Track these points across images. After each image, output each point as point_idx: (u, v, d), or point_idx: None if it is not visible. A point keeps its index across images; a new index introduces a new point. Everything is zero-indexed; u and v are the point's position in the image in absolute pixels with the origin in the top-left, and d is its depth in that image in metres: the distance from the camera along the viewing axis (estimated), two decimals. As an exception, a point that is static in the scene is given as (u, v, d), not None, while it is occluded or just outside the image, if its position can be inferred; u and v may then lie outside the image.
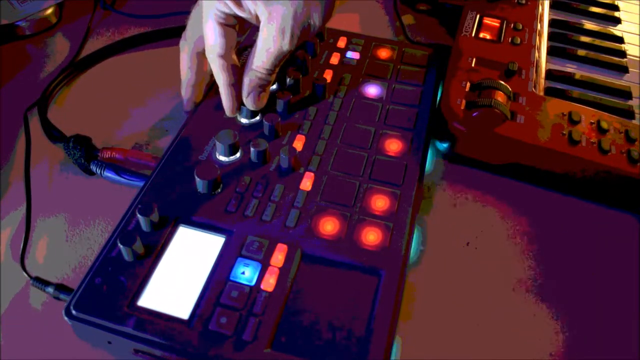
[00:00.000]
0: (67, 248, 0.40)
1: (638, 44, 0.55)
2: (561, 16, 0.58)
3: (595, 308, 0.38)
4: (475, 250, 0.41)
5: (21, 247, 0.39)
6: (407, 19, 0.62)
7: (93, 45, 0.57)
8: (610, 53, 0.53)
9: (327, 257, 0.36)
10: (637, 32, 0.56)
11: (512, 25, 0.53)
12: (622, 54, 0.53)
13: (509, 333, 0.37)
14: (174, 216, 0.37)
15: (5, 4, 0.56)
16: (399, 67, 0.50)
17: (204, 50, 0.42)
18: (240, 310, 0.33)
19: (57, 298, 0.36)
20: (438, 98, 0.48)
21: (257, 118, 0.44)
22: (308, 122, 0.44)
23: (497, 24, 0.53)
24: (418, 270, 0.39)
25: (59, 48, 0.57)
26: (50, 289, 0.36)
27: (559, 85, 0.49)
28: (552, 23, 0.56)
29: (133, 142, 0.47)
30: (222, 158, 0.41)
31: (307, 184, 0.40)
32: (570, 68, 0.51)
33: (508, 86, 0.45)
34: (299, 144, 0.43)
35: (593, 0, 0.60)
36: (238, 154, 0.41)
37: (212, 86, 0.46)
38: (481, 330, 0.37)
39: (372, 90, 0.48)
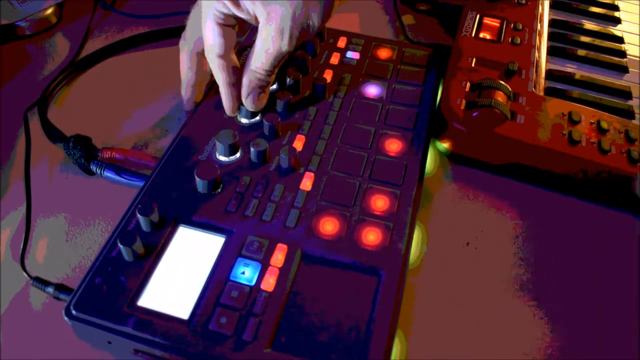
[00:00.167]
0: (67, 248, 0.40)
1: (638, 44, 0.55)
2: (561, 16, 0.58)
3: (595, 308, 0.38)
4: (475, 250, 0.41)
5: (21, 247, 0.39)
6: (407, 19, 0.62)
7: (93, 45, 0.57)
8: (610, 53, 0.53)
9: (327, 257, 0.36)
10: (637, 32, 0.56)
11: (512, 25, 0.53)
12: (622, 54, 0.53)
13: (508, 333, 0.37)
14: (174, 216, 0.37)
15: (5, 4, 0.56)
16: (399, 67, 0.50)
17: (203, 50, 0.42)
18: (240, 310, 0.33)
19: (57, 298, 0.36)
20: (438, 98, 0.48)
21: (257, 118, 0.44)
22: (308, 122, 0.44)
23: (497, 24, 0.53)
24: (418, 270, 0.39)
25: (59, 48, 0.57)
26: (50, 289, 0.36)
27: (559, 85, 0.49)
28: (552, 23, 0.56)
29: (133, 142, 0.47)
30: (222, 158, 0.41)
31: (307, 184, 0.40)
32: (570, 68, 0.51)
33: (508, 86, 0.45)
34: (299, 144, 0.43)
35: (593, 0, 0.60)
36: (238, 154, 0.41)
37: (212, 86, 0.46)
38: (481, 330, 0.37)
39: (372, 90, 0.48)
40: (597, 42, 0.54)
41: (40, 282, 0.36)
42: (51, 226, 0.41)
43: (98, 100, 0.52)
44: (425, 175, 0.43)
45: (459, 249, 0.41)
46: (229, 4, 0.38)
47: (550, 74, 0.50)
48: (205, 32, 0.40)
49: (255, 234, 0.36)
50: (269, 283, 0.34)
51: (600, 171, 0.42)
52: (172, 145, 0.42)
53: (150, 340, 0.32)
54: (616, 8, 0.59)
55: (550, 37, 0.54)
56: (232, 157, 0.41)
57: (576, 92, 0.48)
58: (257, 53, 0.40)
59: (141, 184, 0.40)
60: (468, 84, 0.46)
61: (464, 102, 0.45)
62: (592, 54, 0.53)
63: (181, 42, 0.45)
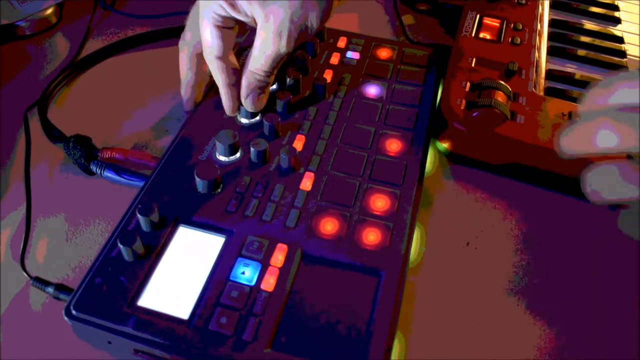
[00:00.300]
0: (67, 248, 0.40)
1: (638, 44, 0.55)
2: (561, 16, 0.58)
3: (595, 308, 0.38)
4: (475, 250, 0.41)
5: (21, 247, 0.39)
6: (407, 19, 0.62)
7: (93, 45, 0.57)
8: (610, 53, 0.53)
9: (327, 257, 0.36)
10: (637, 32, 0.56)
11: (512, 25, 0.53)
12: (622, 54, 0.53)
13: (508, 333, 0.37)
14: (174, 216, 0.37)
15: (5, 4, 0.56)
16: (399, 67, 0.50)
17: (202, 51, 0.42)
18: (240, 310, 0.33)
19: (57, 298, 0.36)
20: (438, 98, 0.48)
21: (257, 118, 0.44)
22: (308, 122, 0.44)
23: (497, 24, 0.53)
24: (418, 270, 0.39)
25: (59, 48, 0.57)
26: (50, 289, 0.36)
27: (559, 85, 0.49)
28: (552, 23, 0.56)
29: (133, 142, 0.47)
30: (222, 158, 0.41)
31: (307, 184, 0.40)
32: (570, 68, 0.51)
33: (508, 86, 0.45)
34: (299, 144, 0.43)
35: (593, 0, 0.60)
36: (238, 154, 0.41)
37: (212, 86, 0.46)
38: (481, 330, 0.37)
39: (372, 90, 0.48)
40: (597, 42, 0.54)
41: (40, 282, 0.36)
42: (51, 226, 0.41)
43: (98, 100, 0.52)
44: (425, 175, 0.43)
45: (459, 249, 0.41)
46: (226, 6, 0.38)
47: (550, 74, 0.50)
48: (203, 34, 0.40)
49: (255, 234, 0.36)
50: (269, 283, 0.34)
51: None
52: (172, 145, 0.42)
53: (150, 340, 0.32)
54: (616, 8, 0.59)
55: (550, 37, 0.54)
56: (232, 157, 0.41)
57: (576, 92, 0.48)
58: (255, 54, 0.40)
59: (141, 184, 0.40)
60: (468, 84, 0.46)
61: (464, 102, 0.45)
62: (592, 54, 0.53)
63: (180, 43, 0.45)
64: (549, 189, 0.45)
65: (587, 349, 0.36)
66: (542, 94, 0.48)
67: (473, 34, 0.52)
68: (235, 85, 0.42)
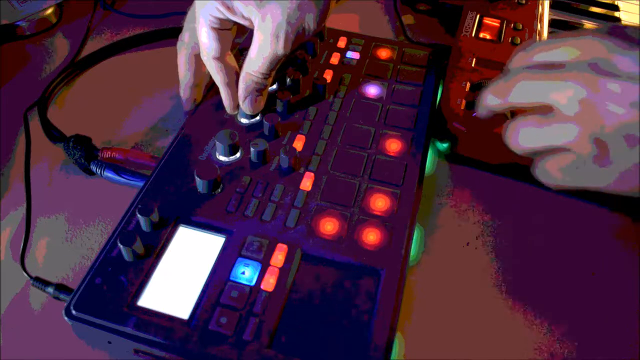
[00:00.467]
0: (67, 248, 0.40)
1: (638, 44, 0.55)
2: (561, 16, 0.58)
3: (595, 308, 0.38)
4: (475, 250, 0.41)
5: (21, 247, 0.39)
6: (407, 19, 0.62)
7: (93, 45, 0.57)
8: (610, 53, 0.53)
9: (327, 257, 0.36)
10: (637, 32, 0.56)
11: (512, 25, 0.53)
12: (622, 54, 0.53)
13: (509, 333, 0.37)
14: (174, 216, 0.37)
15: (5, 4, 0.56)
16: (399, 67, 0.50)
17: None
18: (240, 310, 0.33)
19: (57, 298, 0.36)
20: (438, 98, 0.48)
21: (257, 118, 0.44)
22: (308, 122, 0.44)
23: (497, 24, 0.53)
24: (418, 270, 0.39)
25: (59, 48, 0.57)
26: (50, 289, 0.36)
27: (559, 85, 0.49)
28: (552, 23, 0.56)
29: (133, 142, 0.47)
30: (222, 158, 0.41)
31: (307, 184, 0.40)
32: (570, 68, 0.51)
33: (508, 86, 0.45)
34: (299, 144, 0.42)
35: (593, 0, 0.60)
36: (238, 154, 0.41)
37: (212, 86, 0.46)
38: (481, 330, 0.37)
39: (372, 90, 0.48)
40: (597, 42, 0.54)
41: (40, 282, 0.36)
42: (51, 226, 0.41)
43: (98, 100, 0.52)
44: (425, 175, 0.43)
45: (459, 249, 0.41)
46: (222, 8, 0.38)
47: (550, 74, 0.50)
48: (200, 36, 0.40)
49: (255, 234, 0.36)
50: (269, 283, 0.34)
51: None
52: (172, 145, 0.42)
53: (150, 340, 0.32)
54: (616, 8, 0.59)
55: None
56: (232, 157, 0.41)
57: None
58: (252, 56, 0.40)
59: (141, 184, 0.40)
60: (468, 84, 0.46)
61: (464, 102, 0.45)
62: (592, 54, 0.53)
63: (178, 44, 0.45)
64: (549, 189, 0.45)
65: (587, 349, 0.36)
66: (542, 94, 0.47)
67: (473, 34, 0.52)
68: (234, 84, 0.42)
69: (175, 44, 0.46)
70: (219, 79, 0.41)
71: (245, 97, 0.42)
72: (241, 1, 0.37)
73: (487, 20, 0.54)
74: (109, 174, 0.43)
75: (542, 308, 0.38)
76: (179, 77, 0.46)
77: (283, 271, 0.35)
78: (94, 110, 0.51)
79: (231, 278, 0.34)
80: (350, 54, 0.51)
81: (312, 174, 0.40)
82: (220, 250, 0.36)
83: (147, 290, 0.34)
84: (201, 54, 0.41)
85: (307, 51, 0.50)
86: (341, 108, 0.46)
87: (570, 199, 0.44)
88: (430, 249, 0.41)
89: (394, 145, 0.43)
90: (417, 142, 0.43)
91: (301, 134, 0.43)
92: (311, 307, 0.34)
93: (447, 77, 0.47)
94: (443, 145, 0.47)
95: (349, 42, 0.52)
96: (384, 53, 0.51)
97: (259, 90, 0.42)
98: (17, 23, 0.57)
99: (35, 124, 0.47)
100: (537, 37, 0.53)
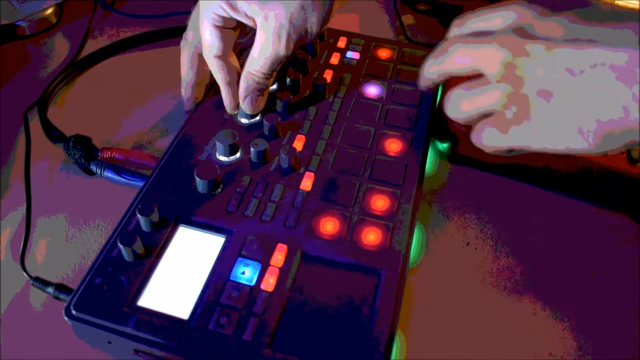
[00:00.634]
0: (67, 248, 0.40)
1: (638, 44, 0.55)
2: (561, 16, 0.57)
3: (595, 308, 0.38)
4: (475, 250, 0.41)
5: (21, 247, 0.39)
6: (407, 19, 0.62)
7: (93, 45, 0.57)
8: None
9: (327, 257, 0.36)
10: (637, 32, 0.56)
11: (512, 25, 0.53)
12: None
13: (509, 333, 0.37)
14: (174, 216, 0.37)
15: (5, 4, 0.56)
16: (399, 67, 0.50)
17: None
18: (240, 310, 0.33)
19: (57, 298, 0.36)
20: (438, 98, 0.48)
21: (257, 118, 0.44)
22: (308, 122, 0.44)
23: (497, 24, 0.53)
24: (418, 270, 0.39)
25: (59, 48, 0.57)
26: (50, 289, 0.36)
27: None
28: (552, 23, 0.56)
29: (133, 142, 0.47)
30: (222, 158, 0.41)
31: (307, 184, 0.40)
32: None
33: (508, 86, 0.45)
34: (299, 144, 0.42)
35: (593, 0, 0.60)
36: (238, 154, 0.41)
37: (212, 86, 0.46)
38: (481, 330, 0.37)
39: (372, 90, 0.48)
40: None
41: (40, 282, 0.36)
42: (51, 226, 0.41)
43: (98, 100, 0.52)
44: (425, 175, 0.43)
45: (459, 249, 0.41)
46: (225, 7, 0.38)
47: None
48: (203, 34, 0.40)
49: (255, 234, 0.36)
50: (269, 283, 0.34)
51: (599, 171, 0.42)
52: (172, 145, 0.42)
53: (150, 340, 0.32)
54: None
55: (550, 37, 0.54)
56: (232, 157, 0.41)
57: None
58: (254, 56, 0.40)
59: (141, 184, 0.40)
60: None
61: (464, 102, 0.45)
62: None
63: (182, 43, 0.45)
64: (549, 189, 0.45)
65: (587, 349, 0.36)
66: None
67: (473, 34, 0.52)
68: (235, 83, 0.42)
69: (175, 44, 0.46)
70: (220, 77, 0.41)
71: (246, 97, 0.42)
72: (245, 0, 0.37)
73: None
74: (109, 174, 0.43)
75: (542, 308, 0.38)
76: (181, 75, 0.46)
77: (283, 271, 0.35)
78: (94, 110, 0.51)
79: (231, 278, 0.34)
80: (350, 54, 0.51)
81: (312, 174, 0.40)
82: (220, 250, 0.36)
83: (147, 290, 0.34)
84: (203, 52, 0.41)
85: (307, 51, 0.50)
86: (341, 108, 0.46)
87: (570, 199, 0.44)
88: (430, 249, 0.41)
89: (394, 145, 0.43)
90: (417, 142, 0.43)
91: (301, 134, 0.43)
92: (311, 307, 0.34)
93: (447, 77, 0.47)
94: (443, 145, 0.47)
95: (349, 42, 0.52)
96: (384, 53, 0.51)
97: (260, 90, 0.42)
98: (17, 23, 0.57)
99: (35, 124, 0.47)
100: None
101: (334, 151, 0.42)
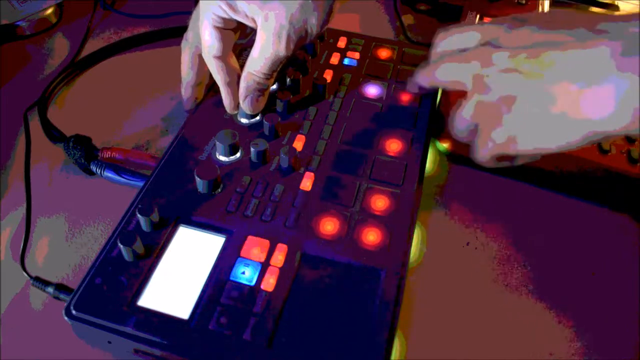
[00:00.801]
0: (67, 248, 0.40)
1: (638, 44, 0.55)
2: (561, 16, 0.58)
3: (595, 308, 0.38)
4: (475, 250, 0.41)
5: (21, 247, 0.39)
6: (407, 19, 0.62)
7: (93, 45, 0.57)
8: (610, 53, 0.53)
9: (327, 257, 0.36)
10: (637, 32, 0.56)
11: (512, 25, 0.53)
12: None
13: (509, 333, 0.37)
14: (174, 216, 0.37)
15: (5, 4, 0.56)
16: (399, 67, 0.50)
17: None
18: (240, 310, 0.33)
19: (57, 298, 0.36)
20: (438, 98, 0.48)
21: (257, 118, 0.44)
22: (308, 122, 0.44)
23: (497, 24, 0.53)
24: (418, 270, 0.39)
25: (59, 48, 0.57)
26: (50, 289, 0.36)
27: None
28: (552, 23, 0.56)
29: (133, 142, 0.47)
30: (222, 158, 0.41)
31: (307, 184, 0.40)
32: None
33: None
34: (299, 144, 0.42)
35: (593, 0, 0.60)
36: (238, 154, 0.41)
37: (213, 86, 0.46)
38: (481, 330, 0.37)
39: (372, 90, 0.48)
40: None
41: (40, 282, 0.36)
42: (51, 226, 0.41)
43: (98, 100, 0.52)
44: (425, 175, 0.43)
45: (459, 249, 0.41)
46: (225, 8, 0.38)
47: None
48: (203, 34, 0.40)
49: (255, 234, 0.36)
50: (269, 283, 0.34)
51: (600, 171, 0.42)
52: (172, 145, 0.42)
53: (150, 340, 0.32)
54: (616, 8, 0.59)
55: (550, 37, 0.54)
56: (232, 157, 0.41)
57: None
58: (254, 56, 0.40)
59: (141, 184, 0.40)
60: (468, 84, 0.46)
61: (464, 102, 0.45)
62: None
63: (183, 43, 0.45)
64: (549, 189, 0.45)
65: (588, 348, 0.36)
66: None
67: (473, 34, 0.52)
68: (234, 84, 0.42)
69: (175, 44, 0.46)
70: (219, 78, 0.41)
71: (246, 97, 0.42)
72: (245, 0, 0.37)
73: (487, 20, 0.54)
74: (109, 174, 0.43)
75: (542, 308, 0.38)
76: (181, 75, 0.46)
77: (283, 271, 0.35)
78: (94, 110, 0.51)
79: (231, 278, 0.34)
80: (348, 61, 0.50)
81: (312, 174, 0.40)
82: (220, 250, 0.36)
83: (147, 290, 0.34)
84: (202, 53, 0.41)
85: (307, 51, 0.50)
86: (341, 108, 0.46)
87: (570, 199, 0.44)
88: (430, 249, 0.41)
89: (394, 145, 0.43)
90: (417, 142, 0.43)
91: (301, 134, 0.43)
92: (311, 307, 0.34)
93: (447, 77, 0.47)
94: (443, 145, 0.47)
95: (349, 42, 0.52)
96: (384, 53, 0.51)
97: (260, 90, 0.42)
98: (17, 23, 0.57)
99: (35, 124, 0.47)
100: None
101: (334, 151, 0.42)
